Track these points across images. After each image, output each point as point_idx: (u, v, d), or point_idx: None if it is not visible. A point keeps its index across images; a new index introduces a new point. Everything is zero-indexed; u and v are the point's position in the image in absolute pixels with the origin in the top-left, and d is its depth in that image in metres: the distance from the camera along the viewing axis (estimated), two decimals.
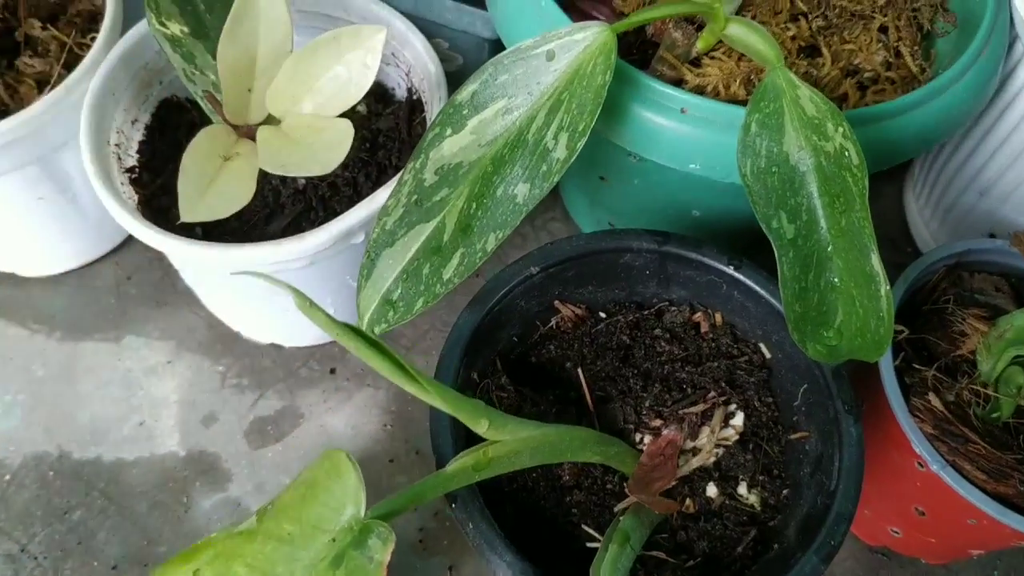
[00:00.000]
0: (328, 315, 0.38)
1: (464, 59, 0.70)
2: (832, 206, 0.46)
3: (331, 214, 0.61)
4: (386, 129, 0.66)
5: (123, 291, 0.77)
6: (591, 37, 0.47)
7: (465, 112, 0.49)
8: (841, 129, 0.46)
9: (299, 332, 0.72)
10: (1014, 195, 0.66)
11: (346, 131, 0.51)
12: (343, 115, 0.53)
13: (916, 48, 0.59)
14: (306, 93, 0.53)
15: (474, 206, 0.49)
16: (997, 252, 0.61)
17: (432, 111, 0.62)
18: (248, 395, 0.72)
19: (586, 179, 0.70)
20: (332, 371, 0.73)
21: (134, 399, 0.72)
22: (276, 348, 0.74)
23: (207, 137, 0.51)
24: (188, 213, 0.47)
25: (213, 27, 0.57)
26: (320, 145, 0.50)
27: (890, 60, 0.59)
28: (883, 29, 0.59)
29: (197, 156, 0.49)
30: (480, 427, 0.45)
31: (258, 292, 0.64)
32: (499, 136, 0.49)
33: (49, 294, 0.76)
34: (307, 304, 0.39)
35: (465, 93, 0.49)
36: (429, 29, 0.67)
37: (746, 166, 0.47)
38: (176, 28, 0.57)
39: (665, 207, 0.65)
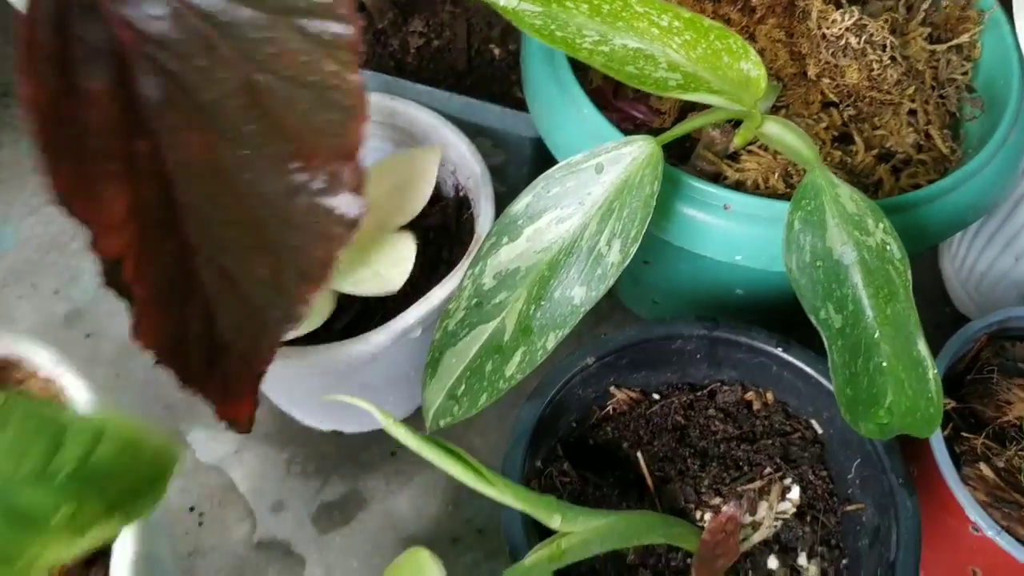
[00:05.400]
0: (411, 430, 0.42)
1: (507, 154, 0.73)
2: (877, 296, 0.49)
3: (388, 311, 0.64)
4: (436, 226, 0.69)
5: None
6: (638, 151, 0.50)
7: (520, 222, 0.52)
8: (882, 225, 0.48)
9: (358, 419, 0.75)
10: None
11: (408, 247, 0.55)
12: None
13: (945, 130, 0.61)
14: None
15: (533, 308, 0.52)
16: None
17: (478, 206, 0.65)
18: (313, 482, 0.75)
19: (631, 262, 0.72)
20: (392, 454, 0.76)
21: (204, 490, 0.75)
22: (337, 435, 0.77)
23: None
24: None
25: None
26: (386, 262, 0.53)
27: (921, 142, 0.61)
28: (912, 113, 0.61)
29: None
30: (554, 522, 0.47)
31: (319, 389, 0.67)
32: (554, 243, 0.52)
33: None
34: (391, 422, 0.42)
35: (520, 205, 0.52)
36: (475, 129, 0.70)
37: (791, 261, 0.50)
38: None
39: (710, 287, 0.67)
